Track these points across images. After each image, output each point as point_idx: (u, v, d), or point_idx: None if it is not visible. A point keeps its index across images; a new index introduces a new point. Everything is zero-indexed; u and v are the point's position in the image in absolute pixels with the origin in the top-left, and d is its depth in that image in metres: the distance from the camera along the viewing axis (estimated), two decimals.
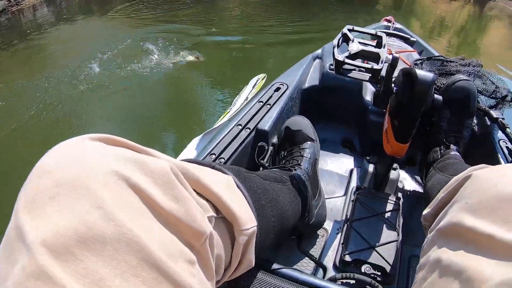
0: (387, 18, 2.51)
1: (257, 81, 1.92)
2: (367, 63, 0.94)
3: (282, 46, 5.15)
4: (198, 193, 0.49)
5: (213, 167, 0.60)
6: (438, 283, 0.49)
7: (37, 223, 0.32)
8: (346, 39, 0.98)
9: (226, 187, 0.56)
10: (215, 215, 0.50)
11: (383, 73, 0.97)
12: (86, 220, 0.32)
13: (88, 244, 0.32)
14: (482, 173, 0.57)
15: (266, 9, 6.77)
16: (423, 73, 0.90)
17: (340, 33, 0.98)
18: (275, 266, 0.76)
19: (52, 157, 0.38)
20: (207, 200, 0.50)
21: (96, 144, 0.40)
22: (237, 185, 0.60)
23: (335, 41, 0.95)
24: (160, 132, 3.09)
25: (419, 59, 1.53)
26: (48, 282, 0.29)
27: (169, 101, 3.61)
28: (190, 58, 4.30)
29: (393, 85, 1.08)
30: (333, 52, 0.94)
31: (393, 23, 2.44)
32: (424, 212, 0.76)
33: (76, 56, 4.46)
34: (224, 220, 0.53)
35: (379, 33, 0.98)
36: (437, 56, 1.53)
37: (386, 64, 0.93)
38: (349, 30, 0.99)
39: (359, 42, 0.96)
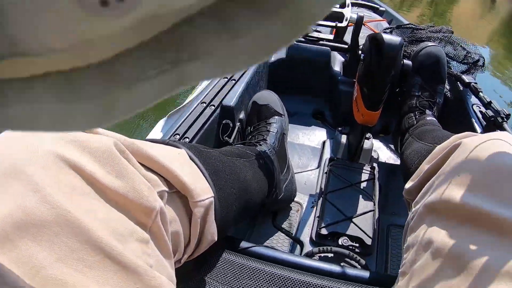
0: None
1: None
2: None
3: None
4: (148, 168, 0.46)
5: (166, 143, 0.58)
6: (430, 266, 0.44)
7: None
8: None
9: (178, 160, 0.53)
10: (167, 189, 0.48)
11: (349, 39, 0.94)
12: (23, 206, 0.31)
13: (26, 229, 0.30)
14: (472, 141, 0.53)
15: None
16: (390, 38, 0.87)
17: None
18: (246, 244, 0.73)
19: None
20: (158, 175, 0.48)
21: None
22: (191, 158, 0.57)
23: None
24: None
25: (388, 28, 1.51)
26: None
27: None
28: None
29: (360, 52, 1.06)
30: None
31: None
32: (407, 185, 0.71)
33: None
34: (178, 194, 0.51)
35: None
36: (407, 24, 1.52)
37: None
38: None
39: None
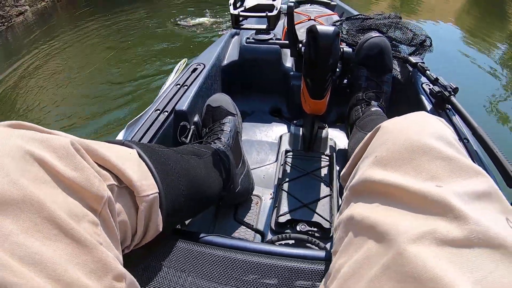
0: None
1: (179, 66, 1.91)
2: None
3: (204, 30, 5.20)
4: (100, 166, 0.53)
5: (122, 144, 0.64)
6: (354, 240, 0.48)
7: None
8: None
9: (128, 159, 0.59)
10: (116, 183, 0.54)
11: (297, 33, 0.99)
12: None
13: None
14: (389, 123, 0.57)
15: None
16: (324, 28, 0.91)
17: None
18: (203, 235, 0.75)
19: None
20: (110, 172, 0.54)
21: (4, 129, 0.44)
22: (141, 157, 0.63)
23: (231, 1, 0.96)
24: (94, 128, 3.09)
25: (338, 20, 1.56)
26: None
27: (101, 96, 3.58)
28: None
29: (300, 45, 1.10)
30: (230, 9, 0.94)
31: None
32: (341, 172, 0.76)
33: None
34: (127, 189, 0.57)
35: None
36: (356, 15, 1.57)
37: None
38: None
39: None
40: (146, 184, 0.59)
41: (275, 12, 0.91)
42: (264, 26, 0.96)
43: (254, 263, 0.66)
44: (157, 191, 0.61)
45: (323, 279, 0.56)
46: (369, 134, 0.61)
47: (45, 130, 0.48)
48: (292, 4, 0.95)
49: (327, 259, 0.68)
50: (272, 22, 0.93)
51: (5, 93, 4.02)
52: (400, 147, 0.49)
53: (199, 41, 4.91)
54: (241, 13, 0.93)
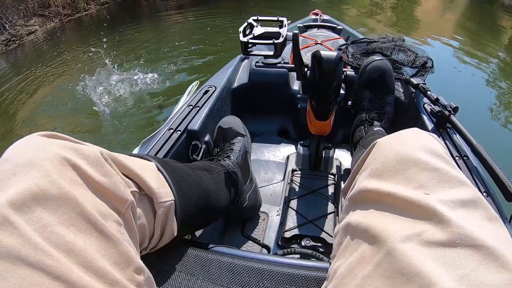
0: (315, 11, 2.63)
1: (191, 88, 1.98)
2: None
3: (212, 52, 5.29)
4: (124, 174, 0.59)
5: (141, 157, 0.71)
6: (350, 244, 0.53)
7: (4, 191, 0.42)
8: (251, 27, 1.05)
9: (148, 170, 0.66)
10: (138, 191, 0.61)
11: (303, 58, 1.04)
12: (38, 184, 0.43)
13: (39, 200, 0.42)
14: (384, 139, 0.62)
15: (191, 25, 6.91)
16: (327, 53, 0.97)
17: (246, 22, 1.05)
18: (211, 246, 0.80)
19: (9, 152, 0.48)
20: (132, 180, 0.61)
21: (43, 138, 0.50)
22: (159, 169, 0.70)
23: (240, 29, 1.02)
24: (112, 144, 3.17)
25: (344, 44, 1.61)
26: (9, 226, 0.40)
27: (118, 115, 3.67)
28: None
29: (306, 69, 1.15)
30: (240, 37, 1.01)
31: (321, 16, 2.56)
32: (342, 187, 0.82)
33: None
34: (147, 196, 0.64)
35: (280, 18, 1.05)
36: (361, 39, 1.62)
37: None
38: (254, 20, 1.06)
39: (264, 27, 1.03)
40: (164, 191, 0.66)
41: (281, 40, 0.98)
42: (271, 53, 1.02)
43: (261, 270, 0.70)
44: (173, 198, 0.68)
45: (324, 283, 0.61)
46: (366, 150, 0.67)
47: (76, 141, 0.54)
48: (297, 32, 1.01)
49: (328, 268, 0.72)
50: (279, 49, 0.99)
51: (15, 108, 4.15)
52: (393, 160, 0.54)
53: None
54: (250, 40, 0.99)
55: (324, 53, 0.97)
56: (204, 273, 0.69)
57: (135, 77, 4.44)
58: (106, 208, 0.50)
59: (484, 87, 4.02)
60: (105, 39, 6.07)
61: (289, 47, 1.78)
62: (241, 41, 1.00)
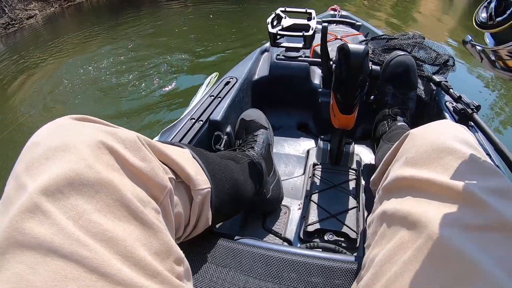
0: (333, 7, 2.61)
1: (210, 79, 1.97)
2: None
3: (232, 46, 5.26)
4: (160, 161, 0.57)
5: (172, 144, 0.70)
6: (387, 232, 0.53)
7: (35, 178, 0.40)
8: (279, 18, 1.04)
9: (184, 157, 0.65)
10: (174, 178, 0.59)
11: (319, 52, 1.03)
12: (74, 168, 0.40)
13: (75, 186, 0.40)
14: (418, 130, 0.63)
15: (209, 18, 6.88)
16: (355, 46, 0.96)
17: (273, 13, 1.04)
18: (238, 237, 0.80)
19: (41, 133, 0.45)
20: (168, 167, 0.59)
21: (76, 121, 0.48)
22: (193, 156, 0.69)
23: (268, 20, 1.01)
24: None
25: (364, 40, 1.60)
26: (40, 214, 0.37)
27: (132, 105, 3.68)
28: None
29: (331, 63, 1.14)
30: (267, 28, 1.00)
31: (339, 11, 2.54)
32: (372, 177, 0.82)
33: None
34: (182, 184, 0.63)
35: (308, 10, 1.04)
36: (381, 35, 1.61)
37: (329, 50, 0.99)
38: (282, 11, 1.05)
39: (292, 18, 1.02)
40: (201, 179, 0.65)
41: (311, 32, 0.97)
42: (300, 45, 1.01)
43: (291, 261, 0.69)
44: (210, 186, 0.67)
45: (359, 273, 0.61)
46: (398, 141, 0.68)
47: (111, 125, 0.52)
48: (326, 25, 1.00)
49: (356, 261, 0.72)
50: (308, 41, 0.98)
51: (12, 91, 4.16)
52: (428, 149, 0.55)
53: None
54: (279, 32, 0.98)
55: (352, 46, 0.95)
56: (236, 264, 0.68)
57: (134, 63, 4.46)
58: (144, 194, 0.48)
59: (483, 87, 3.98)
60: (104, 25, 6.09)
61: None
62: (269, 32, 0.99)
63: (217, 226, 1.08)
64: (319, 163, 1.25)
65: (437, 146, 0.54)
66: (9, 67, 5.01)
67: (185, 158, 0.65)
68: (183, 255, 0.50)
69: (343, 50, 0.96)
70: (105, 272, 0.36)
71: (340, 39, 1.75)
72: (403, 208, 0.51)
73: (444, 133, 0.57)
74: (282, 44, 1.03)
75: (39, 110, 3.72)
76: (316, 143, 1.46)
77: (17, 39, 6.32)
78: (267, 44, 1.78)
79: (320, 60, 1.24)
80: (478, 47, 0.49)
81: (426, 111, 1.35)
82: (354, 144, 1.31)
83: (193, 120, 1.17)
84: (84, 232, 0.38)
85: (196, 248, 0.71)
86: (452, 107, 1.23)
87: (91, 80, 4.21)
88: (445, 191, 0.48)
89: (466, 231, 0.42)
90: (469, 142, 0.55)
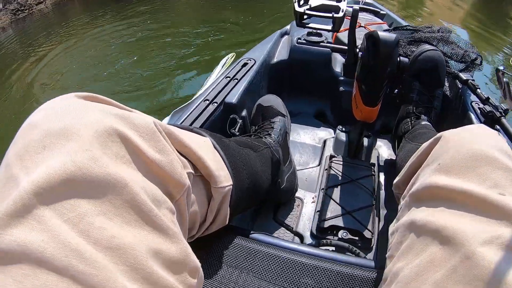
0: None
1: (226, 60, 1.92)
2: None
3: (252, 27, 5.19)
4: (178, 151, 0.50)
5: (191, 130, 0.62)
6: (415, 245, 0.47)
7: (29, 171, 0.33)
8: None
9: (204, 147, 0.58)
10: (193, 172, 0.52)
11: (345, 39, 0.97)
12: (75, 160, 0.34)
13: (75, 182, 0.33)
14: (451, 133, 0.57)
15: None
16: (385, 34, 0.90)
17: None
18: (250, 232, 0.75)
19: (39, 113, 0.39)
20: (186, 159, 0.52)
21: (82, 100, 0.40)
22: (214, 147, 0.62)
23: None
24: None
25: (388, 30, 1.53)
26: (31, 218, 0.31)
27: (144, 84, 3.64)
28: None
29: (358, 50, 1.08)
30: (294, 6, 0.93)
31: None
32: (395, 180, 0.76)
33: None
34: (201, 178, 0.56)
35: None
36: (404, 26, 1.54)
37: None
38: None
39: None
40: (223, 175, 0.59)
41: (341, 14, 0.90)
42: (329, 27, 0.95)
43: (308, 265, 0.65)
44: (231, 183, 0.61)
45: (379, 285, 0.56)
46: (427, 143, 0.62)
47: (124, 107, 0.45)
48: (358, 8, 0.94)
49: (376, 267, 0.67)
50: (338, 24, 0.92)
51: (23, 76, 4.13)
52: (464, 156, 0.49)
53: None
54: (307, 11, 0.92)
55: (382, 34, 0.89)
56: (248, 266, 0.63)
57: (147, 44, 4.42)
58: (159, 192, 0.41)
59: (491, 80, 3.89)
60: (113, 7, 6.05)
61: None
62: (295, 11, 0.93)
63: None
64: (336, 155, 1.20)
65: (473, 153, 0.49)
66: (17, 52, 5.02)
67: (206, 149, 0.58)
68: (199, 264, 0.44)
69: (372, 37, 0.90)
70: None
71: (364, 27, 1.68)
72: (436, 221, 0.45)
73: (482, 139, 0.52)
74: (309, 25, 0.96)
75: (47, 92, 3.70)
76: (334, 133, 1.40)
77: (27, 24, 6.31)
78: (288, 27, 1.72)
79: (344, 47, 1.18)
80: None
81: (450, 110, 1.28)
82: (374, 138, 1.25)
83: (207, 102, 1.11)
84: (84, 238, 0.32)
85: (206, 245, 0.66)
86: (479, 108, 1.16)
87: (100, 61, 4.20)
88: (481, 205, 0.43)
89: (508, 251, 0.37)
90: (508, 151, 0.50)
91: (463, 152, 0.50)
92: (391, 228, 0.61)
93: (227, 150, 0.66)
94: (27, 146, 0.35)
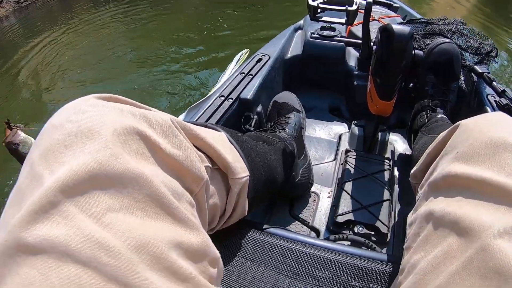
0: None
1: (240, 56, 1.92)
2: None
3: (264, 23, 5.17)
4: (195, 146, 0.52)
5: (206, 126, 0.65)
6: (433, 236, 0.47)
7: (53, 169, 0.35)
8: None
9: (220, 141, 0.60)
10: (210, 165, 0.54)
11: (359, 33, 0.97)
12: (97, 158, 0.35)
13: (98, 179, 0.34)
14: (470, 121, 0.56)
15: None
16: (399, 27, 0.89)
17: None
18: (266, 226, 0.76)
19: (61, 114, 0.40)
20: (203, 153, 0.54)
21: (101, 101, 0.42)
22: (230, 141, 0.64)
23: None
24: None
25: (401, 23, 1.52)
26: (57, 214, 0.32)
27: (160, 82, 3.66)
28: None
29: (372, 44, 1.07)
30: (307, 0, 0.94)
31: None
32: (412, 170, 0.75)
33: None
34: (219, 171, 0.58)
35: None
36: (418, 19, 1.52)
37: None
38: None
39: None
40: (240, 166, 0.60)
41: (354, 7, 0.90)
42: (342, 20, 0.95)
43: (323, 258, 0.65)
44: (248, 174, 0.62)
45: (396, 277, 0.55)
46: (445, 132, 0.61)
47: (142, 106, 0.46)
48: (371, 1, 0.93)
49: (391, 261, 0.67)
50: (352, 17, 0.92)
51: (28, 65, 4.16)
52: (483, 143, 0.48)
53: None
54: (320, 5, 0.92)
55: (396, 27, 0.89)
56: (266, 260, 0.64)
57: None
58: (179, 186, 0.42)
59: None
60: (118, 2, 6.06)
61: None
62: (309, 4, 0.93)
63: None
64: (352, 150, 1.20)
65: (493, 140, 0.47)
66: (19, 40, 5.04)
67: (222, 143, 0.60)
68: (219, 255, 0.45)
69: (386, 30, 0.90)
70: (127, 282, 0.31)
71: (378, 20, 1.67)
72: (453, 211, 0.44)
73: (502, 126, 0.50)
74: (322, 19, 0.97)
75: (51, 82, 3.74)
76: (349, 128, 1.40)
77: (30, 13, 6.35)
78: (301, 22, 1.71)
79: (358, 41, 1.17)
80: None
81: (465, 103, 1.27)
82: (389, 132, 1.24)
83: (222, 98, 1.12)
84: (108, 232, 0.33)
85: (225, 239, 0.67)
86: (495, 101, 1.14)
87: (106, 53, 4.21)
88: (500, 193, 0.41)
89: None
90: None
91: (481, 140, 0.49)
92: (409, 218, 0.60)
93: (242, 143, 0.68)
94: (51, 146, 0.37)
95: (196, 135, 0.52)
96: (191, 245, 0.39)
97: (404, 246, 0.56)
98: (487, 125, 0.51)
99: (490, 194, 0.42)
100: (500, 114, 0.55)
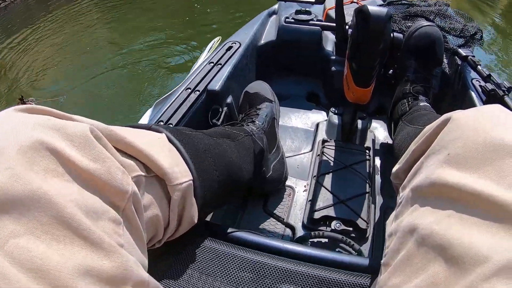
0: None
1: (212, 44, 1.85)
2: None
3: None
4: (125, 154, 0.48)
5: (149, 128, 0.60)
6: (415, 258, 0.40)
7: None
8: None
9: (157, 144, 0.55)
10: (144, 174, 0.50)
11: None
12: None
13: None
14: (464, 115, 0.47)
15: None
16: (376, 9, 0.83)
17: None
18: (230, 230, 0.70)
19: None
20: (136, 160, 0.50)
21: (19, 114, 0.39)
22: (171, 142, 0.59)
23: None
24: (117, 108, 3.07)
25: (382, 5, 1.46)
26: None
27: (127, 75, 3.60)
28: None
29: (347, 27, 1.01)
30: None
31: None
32: (394, 169, 0.67)
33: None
34: (157, 178, 0.53)
35: None
36: (399, 0, 1.46)
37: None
38: None
39: None
40: (179, 170, 0.55)
41: None
42: (313, 0, 0.89)
43: (289, 271, 0.60)
44: (191, 178, 0.57)
45: None
46: (433, 126, 0.52)
47: (64, 115, 0.43)
48: None
49: (370, 269, 0.62)
50: None
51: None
52: (478, 145, 0.40)
53: None
54: None
55: (372, 8, 0.83)
56: (223, 273, 0.58)
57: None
58: (98, 203, 0.39)
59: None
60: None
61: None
62: None
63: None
64: (329, 140, 1.14)
65: (491, 142, 0.39)
66: None
67: (159, 146, 0.55)
68: (146, 276, 0.40)
69: (361, 12, 0.84)
70: None
71: (356, 3, 1.61)
72: (443, 231, 0.37)
73: (502, 124, 0.41)
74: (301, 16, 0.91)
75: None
76: (327, 116, 1.34)
77: (8, 14, 6.24)
78: (275, 6, 1.64)
79: (334, 24, 1.11)
80: None
81: (449, 89, 1.21)
82: (369, 119, 1.19)
83: (189, 90, 1.05)
84: (8, 260, 0.30)
85: (177, 249, 0.61)
86: (480, 86, 1.09)
87: (83, 54, 4.14)
88: (500, 211, 0.34)
89: None
90: None
91: (477, 140, 0.41)
92: (389, 226, 0.52)
93: (189, 142, 0.63)
94: None
95: (125, 141, 0.48)
96: (104, 271, 0.35)
97: (382, 261, 0.49)
98: (483, 122, 0.43)
99: (487, 211, 0.35)
100: (497, 108, 0.46)
